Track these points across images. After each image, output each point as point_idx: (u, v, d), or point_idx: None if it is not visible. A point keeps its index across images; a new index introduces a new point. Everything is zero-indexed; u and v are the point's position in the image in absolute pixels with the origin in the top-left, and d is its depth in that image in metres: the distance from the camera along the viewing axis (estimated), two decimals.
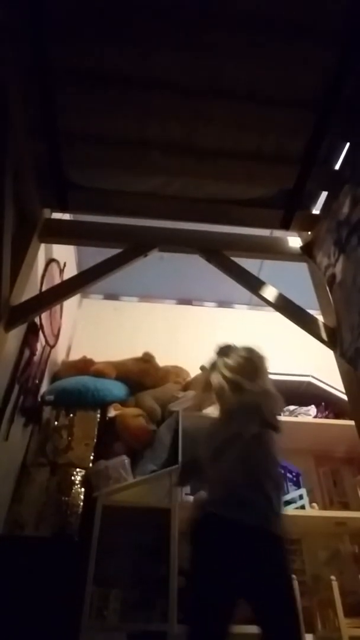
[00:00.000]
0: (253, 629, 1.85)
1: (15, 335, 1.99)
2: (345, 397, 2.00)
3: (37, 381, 2.43)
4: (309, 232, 2.24)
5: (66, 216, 2.40)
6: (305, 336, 2.03)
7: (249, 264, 2.25)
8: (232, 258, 2.18)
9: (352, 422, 1.89)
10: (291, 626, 1.35)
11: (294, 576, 1.95)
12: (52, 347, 2.65)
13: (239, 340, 3.40)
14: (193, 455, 1.85)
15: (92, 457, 2.36)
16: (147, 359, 2.96)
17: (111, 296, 3.78)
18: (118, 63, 1.64)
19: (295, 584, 1.92)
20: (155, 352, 2.99)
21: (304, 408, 2.63)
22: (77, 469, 2.28)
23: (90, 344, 3.21)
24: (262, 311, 3.58)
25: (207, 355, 3.08)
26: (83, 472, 2.27)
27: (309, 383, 2.68)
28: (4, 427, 1.98)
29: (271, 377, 2.62)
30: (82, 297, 3.65)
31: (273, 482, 1.49)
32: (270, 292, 2.10)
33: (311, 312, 2.08)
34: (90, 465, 2.31)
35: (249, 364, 1.74)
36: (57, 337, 2.74)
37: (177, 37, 1.55)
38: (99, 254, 2.19)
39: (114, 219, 2.27)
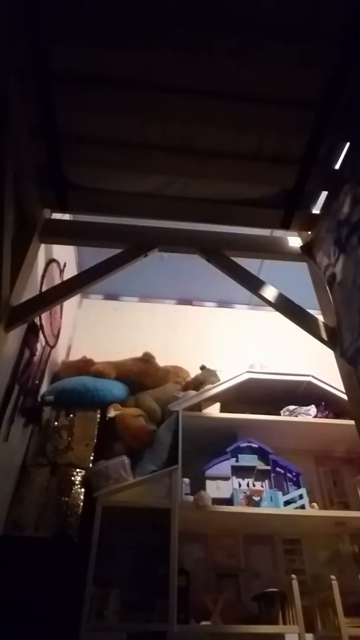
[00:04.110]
0: (253, 629, 1.85)
1: (15, 336, 1.99)
2: (345, 397, 2.01)
3: (37, 381, 2.43)
4: (309, 232, 2.24)
5: (66, 216, 2.40)
6: (305, 336, 2.03)
7: (249, 264, 2.25)
8: (232, 258, 2.19)
9: (352, 422, 1.90)
10: None
11: (293, 576, 1.97)
12: (52, 347, 2.65)
13: (239, 340, 3.43)
14: None
15: (92, 457, 2.35)
16: (147, 359, 2.96)
17: (111, 296, 3.78)
18: (118, 63, 1.64)
19: (295, 584, 1.93)
20: (155, 352, 3.00)
21: (304, 408, 2.63)
22: (77, 469, 2.27)
23: (90, 344, 3.21)
24: (262, 311, 3.58)
25: (207, 355, 3.11)
26: (83, 472, 2.27)
27: (309, 383, 2.68)
28: (4, 428, 1.98)
29: (271, 377, 2.66)
30: (82, 297, 3.65)
31: None
32: (270, 292, 2.10)
33: (311, 312, 2.08)
34: (90, 465, 2.31)
35: None
36: (57, 337, 2.74)
37: (176, 38, 1.55)
38: (99, 254, 2.19)
39: (114, 219, 2.28)
